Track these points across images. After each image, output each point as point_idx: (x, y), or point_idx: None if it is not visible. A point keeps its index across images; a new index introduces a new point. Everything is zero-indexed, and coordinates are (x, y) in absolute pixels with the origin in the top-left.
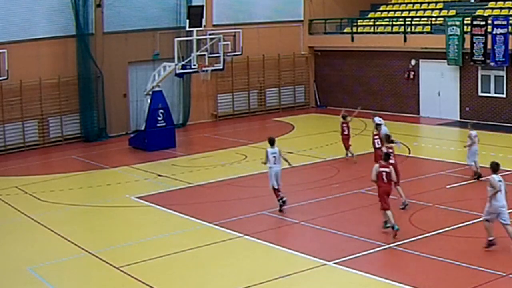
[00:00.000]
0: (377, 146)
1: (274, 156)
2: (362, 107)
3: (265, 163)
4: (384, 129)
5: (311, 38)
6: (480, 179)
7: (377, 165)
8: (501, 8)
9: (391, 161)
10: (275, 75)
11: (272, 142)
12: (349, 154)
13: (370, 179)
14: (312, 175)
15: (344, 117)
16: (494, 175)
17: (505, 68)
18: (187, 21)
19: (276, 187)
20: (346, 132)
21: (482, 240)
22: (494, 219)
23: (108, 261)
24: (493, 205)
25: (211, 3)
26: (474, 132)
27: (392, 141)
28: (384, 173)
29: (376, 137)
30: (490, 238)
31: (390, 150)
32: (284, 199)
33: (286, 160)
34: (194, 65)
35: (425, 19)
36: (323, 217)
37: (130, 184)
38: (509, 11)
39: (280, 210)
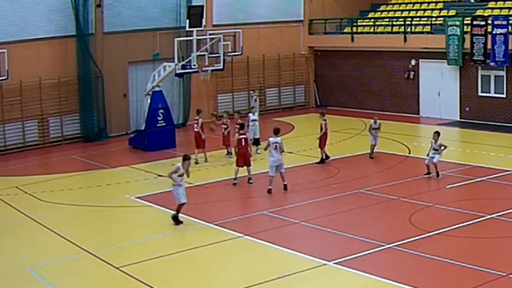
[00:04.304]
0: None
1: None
2: (362, 107)
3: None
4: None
5: (311, 38)
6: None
7: (237, 134)
8: (501, 8)
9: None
10: (275, 75)
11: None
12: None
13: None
14: (312, 175)
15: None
16: (274, 138)
17: (505, 68)
18: (187, 21)
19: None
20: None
21: (482, 240)
22: (275, 171)
23: (108, 261)
24: (270, 160)
25: (211, 3)
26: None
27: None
28: (243, 139)
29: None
30: (270, 187)
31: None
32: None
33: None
34: (194, 65)
35: (425, 19)
36: (323, 217)
37: (130, 184)
38: (509, 11)
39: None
